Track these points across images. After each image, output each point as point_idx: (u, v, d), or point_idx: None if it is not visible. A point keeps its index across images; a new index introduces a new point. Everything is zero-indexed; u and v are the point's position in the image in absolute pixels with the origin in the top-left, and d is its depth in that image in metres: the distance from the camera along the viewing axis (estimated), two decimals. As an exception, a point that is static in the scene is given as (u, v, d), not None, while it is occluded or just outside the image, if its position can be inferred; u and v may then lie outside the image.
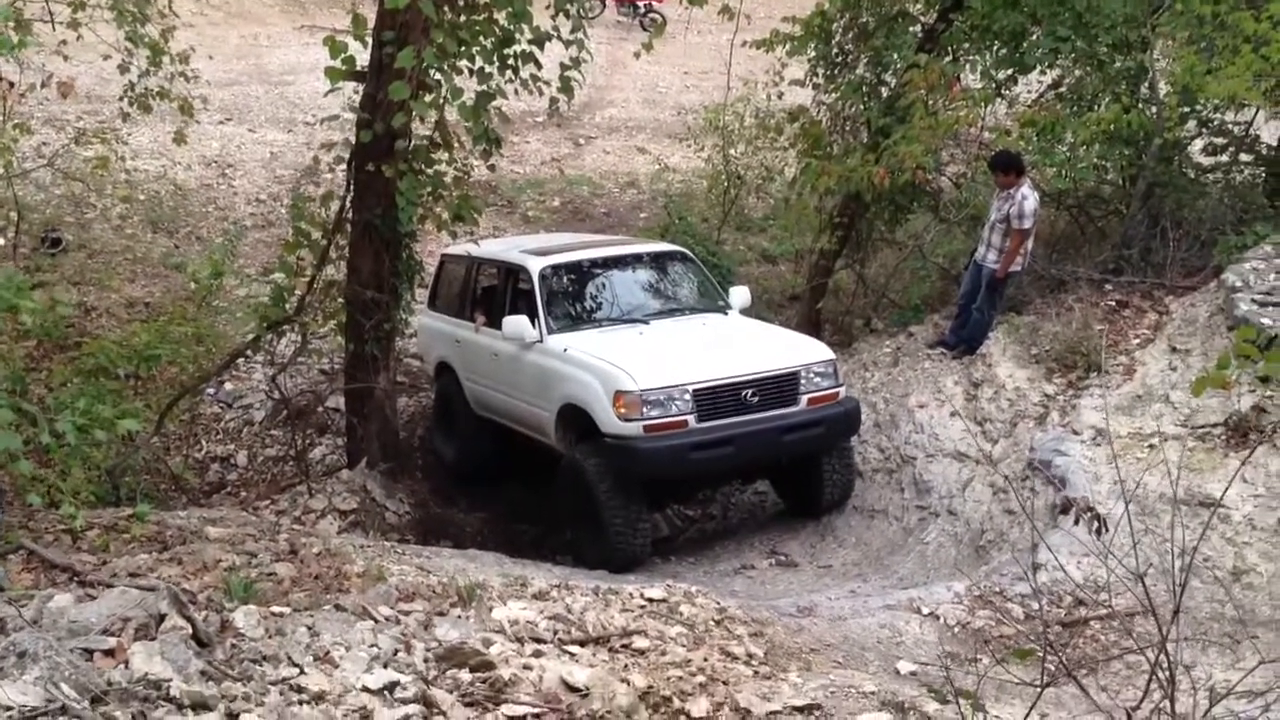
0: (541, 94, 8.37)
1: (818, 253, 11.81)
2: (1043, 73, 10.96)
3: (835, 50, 11.63)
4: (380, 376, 9.38)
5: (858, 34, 11.49)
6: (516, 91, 8.43)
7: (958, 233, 11.69)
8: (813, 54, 11.61)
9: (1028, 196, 9.32)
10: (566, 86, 8.31)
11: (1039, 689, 3.22)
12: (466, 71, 8.24)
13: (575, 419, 8.49)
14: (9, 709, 2.93)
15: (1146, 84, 10.35)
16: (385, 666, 4.02)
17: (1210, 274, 9.21)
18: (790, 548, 8.82)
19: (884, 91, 11.23)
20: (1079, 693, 4.93)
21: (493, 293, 10.01)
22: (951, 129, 10.30)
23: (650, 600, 5.58)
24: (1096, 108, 10.22)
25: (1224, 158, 10.82)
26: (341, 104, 9.00)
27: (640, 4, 25.88)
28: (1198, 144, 10.92)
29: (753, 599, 7.01)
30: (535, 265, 9.34)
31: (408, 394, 11.31)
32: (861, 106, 11.36)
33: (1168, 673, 3.11)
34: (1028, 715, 3.48)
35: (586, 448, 8.35)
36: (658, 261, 10.01)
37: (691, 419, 8.10)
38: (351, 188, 8.92)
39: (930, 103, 10.10)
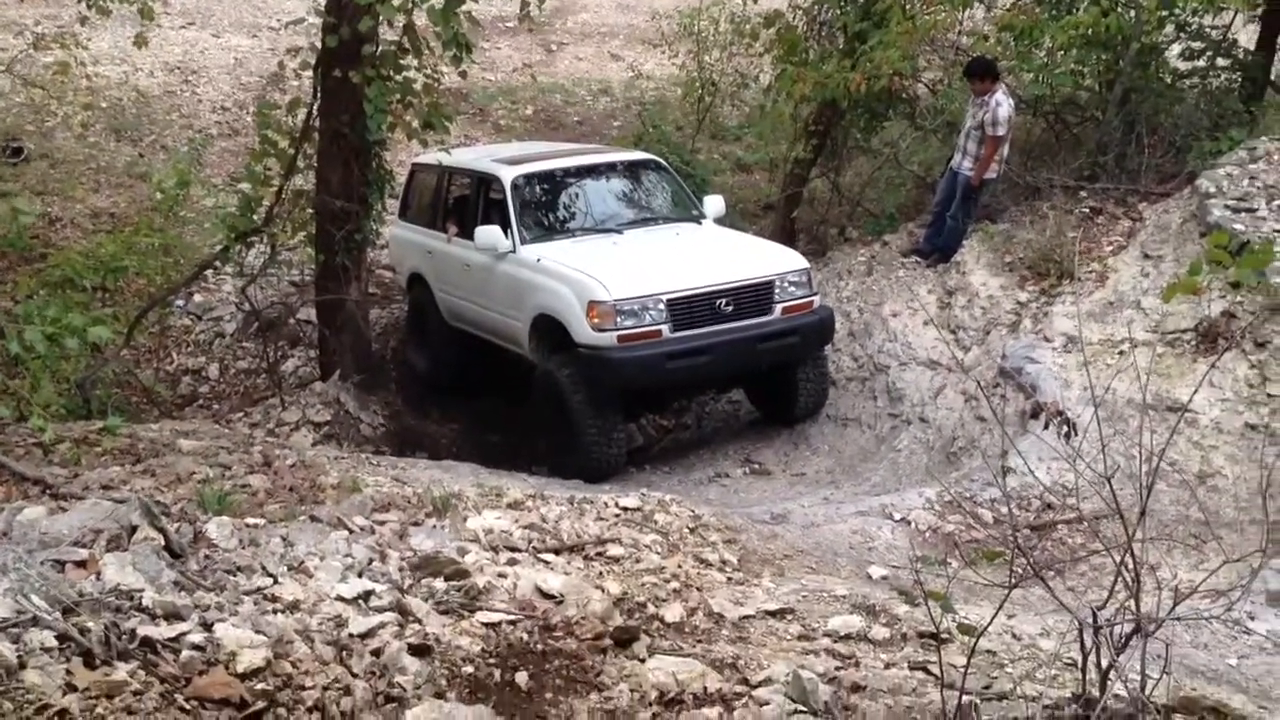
0: (512, -3, 8.19)
1: (792, 161, 11.70)
2: (1022, -25, 10.79)
3: (811, -48, 11.40)
4: (351, 288, 9.29)
5: (835, -65, 11.25)
6: (486, -6, 8.25)
7: (933, 140, 11.60)
8: (789, -44, 11.39)
9: (1001, 103, 9.27)
10: (537, -11, 8.14)
11: (1007, 590, 3.26)
12: (434, -27, 8.03)
13: (549, 329, 8.46)
14: (-21, 620, 2.93)
15: (1126, -14, 10.21)
16: (360, 576, 4.04)
17: (1184, 180, 9.20)
18: (764, 456, 8.88)
19: (861, -5, 11.04)
20: (1045, 595, 5.02)
21: (465, 203, 9.89)
22: (929, 33, 10.16)
23: (625, 509, 5.62)
24: (1075, 11, 10.08)
25: (1201, 62, 10.73)
26: (307, 8, 8.78)
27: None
28: (1175, 48, 10.82)
29: (726, 507, 7.08)
30: (508, 175, 9.21)
31: (380, 305, 11.23)
32: (838, 11, 11.18)
33: (1133, 573, 3.15)
34: (994, 615, 3.53)
35: (560, 358, 8.32)
36: (631, 170, 9.90)
37: (665, 329, 8.08)
38: (318, 95, 8.73)
39: (908, 7, 9.94)
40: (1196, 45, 10.66)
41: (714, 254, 8.79)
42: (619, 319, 7.98)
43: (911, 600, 4.57)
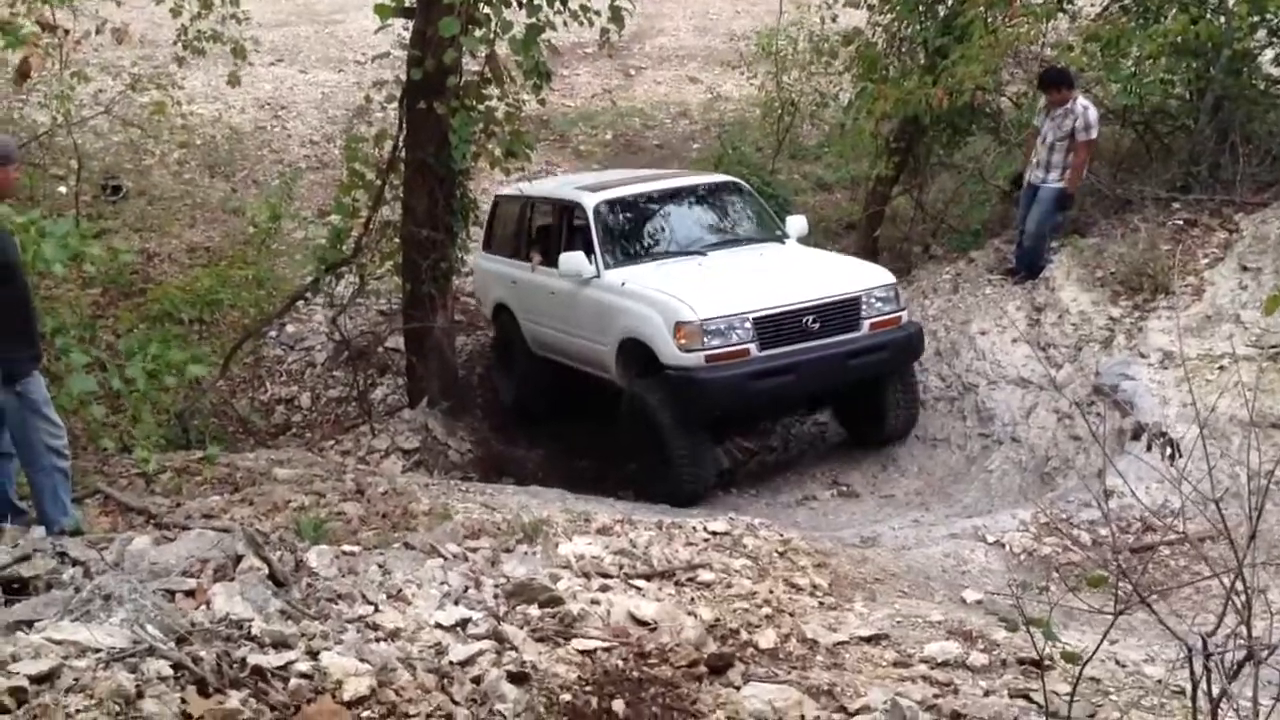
0: (591, 24, 8.28)
1: (874, 179, 11.62)
2: (1107, -17, 10.63)
3: (890, -32, 11.33)
4: (438, 315, 9.44)
5: (913, -49, 11.17)
6: (565, 23, 8.35)
7: (1018, 154, 11.42)
8: (867, -27, 11.33)
9: (1088, 106, 9.16)
10: (616, 16, 8.22)
11: (1113, 615, 3.19)
12: (515, 4, 8.17)
13: (635, 353, 8.46)
14: (98, 650, 3.02)
15: (1215, -8, 9.98)
16: (456, 603, 4.09)
17: (1282, 189, 8.95)
18: (852, 478, 8.79)
19: (941, 10, 10.93)
20: (1147, 619, 4.88)
21: (548, 231, 9.97)
22: (1012, 46, 10.03)
23: (714, 533, 5.61)
24: (1162, 19, 9.87)
25: (1296, 68, 10.44)
26: (391, 41, 8.97)
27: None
28: (1268, 54, 10.54)
29: (815, 530, 7.02)
30: (590, 201, 9.27)
31: (465, 332, 11.36)
32: (918, 26, 11.08)
33: (1244, 597, 3.06)
34: (1101, 641, 3.46)
35: (648, 381, 8.33)
36: (712, 193, 9.91)
37: (753, 347, 8.04)
38: (404, 126, 8.92)
39: (990, 20, 9.83)
40: (1291, 50, 10.37)
41: (799, 272, 8.75)
42: (706, 339, 7.97)
43: (1012, 626, 4.49)
